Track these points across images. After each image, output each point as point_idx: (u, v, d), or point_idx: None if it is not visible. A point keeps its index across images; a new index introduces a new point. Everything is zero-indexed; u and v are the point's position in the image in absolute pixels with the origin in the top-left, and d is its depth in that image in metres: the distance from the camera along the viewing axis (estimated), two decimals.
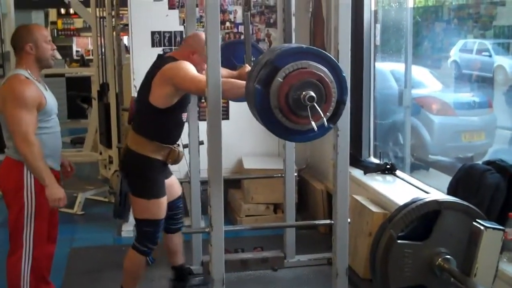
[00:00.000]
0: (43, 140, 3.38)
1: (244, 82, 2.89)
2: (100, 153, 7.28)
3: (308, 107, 2.39)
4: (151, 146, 3.55)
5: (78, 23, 14.73)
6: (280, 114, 2.44)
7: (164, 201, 3.61)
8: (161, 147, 3.57)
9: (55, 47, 3.53)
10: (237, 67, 3.89)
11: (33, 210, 3.40)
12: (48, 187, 3.34)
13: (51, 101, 3.47)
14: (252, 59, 3.90)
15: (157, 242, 3.69)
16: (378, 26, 5.06)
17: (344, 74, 2.55)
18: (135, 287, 3.76)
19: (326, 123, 2.47)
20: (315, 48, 2.61)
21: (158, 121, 3.52)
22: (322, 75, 2.44)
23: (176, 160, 3.66)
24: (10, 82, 3.35)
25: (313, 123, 2.42)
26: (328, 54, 2.58)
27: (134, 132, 3.61)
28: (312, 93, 2.40)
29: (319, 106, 2.41)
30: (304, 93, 2.40)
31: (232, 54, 3.86)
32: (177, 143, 3.69)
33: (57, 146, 3.56)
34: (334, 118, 2.54)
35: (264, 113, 2.47)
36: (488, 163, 3.30)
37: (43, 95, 3.39)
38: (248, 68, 3.80)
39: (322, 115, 2.44)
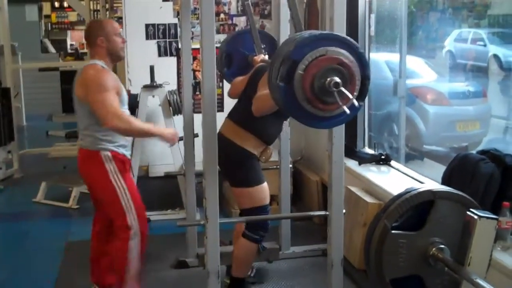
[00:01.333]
0: None
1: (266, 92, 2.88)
2: None
3: (335, 92, 2.38)
4: (254, 142, 3.59)
5: (72, 16, 14.70)
6: (309, 105, 2.41)
7: (266, 185, 3.66)
8: (260, 144, 3.63)
9: (125, 40, 3.70)
10: (248, 57, 3.88)
11: (126, 191, 3.52)
12: (160, 133, 3.59)
13: (124, 92, 3.59)
14: (263, 46, 3.90)
15: (268, 229, 3.73)
16: (373, 16, 5.05)
17: (361, 51, 2.52)
18: (246, 275, 3.83)
19: (356, 103, 2.45)
20: (328, 32, 2.58)
21: (268, 121, 3.54)
22: (342, 58, 2.41)
23: (268, 159, 3.73)
24: (90, 71, 3.47)
25: (344, 107, 2.40)
26: (342, 35, 2.54)
27: (236, 125, 3.61)
28: (337, 78, 2.36)
29: (345, 88, 2.38)
30: (328, 79, 2.38)
31: (240, 45, 3.84)
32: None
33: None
34: (361, 95, 2.50)
35: (293, 108, 2.44)
36: (482, 152, 3.30)
37: (119, 85, 3.52)
38: (261, 57, 3.83)
39: (351, 97, 2.42)
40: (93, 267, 3.86)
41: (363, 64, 2.49)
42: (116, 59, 3.66)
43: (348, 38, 2.51)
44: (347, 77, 2.40)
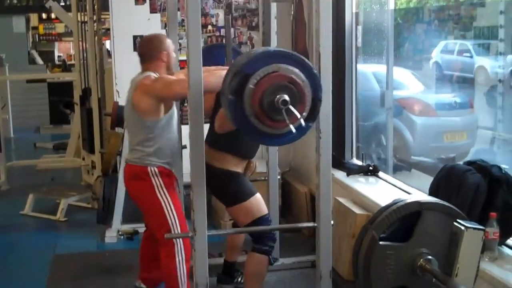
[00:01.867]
0: (166, 144, 3.57)
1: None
2: (83, 159, 7.26)
3: (283, 110, 2.40)
4: (233, 160, 3.60)
5: (59, 28, 14.67)
6: (257, 121, 2.45)
7: (259, 196, 3.64)
8: (240, 160, 3.63)
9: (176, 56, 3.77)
10: None
11: (171, 205, 3.54)
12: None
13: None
14: None
15: (276, 238, 3.71)
16: (360, 28, 5.08)
17: (315, 71, 2.55)
18: None
19: (303, 123, 2.47)
20: (283, 50, 2.61)
21: (239, 136, 3.48)
22: (293, 76, 2.44)
23: (253, 172, 3.77)
24: (146, 81, 3.48)
25: (291, 126, 2.43)
26: (296, 54, 2.57)
27: (211, 148, 3.57)
28: (285, 96, 2.40)
29: (295, 107, 2.41)
30: (277, 97, 2.40)
31: (212, 58, 3.85)
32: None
33: (176, 150, 3.74)
34: (311, 116, 2.54)
35: (241, 122, 2.48)
36: (469, 163, 3.32)
37: None
38: None
39: (299, 116, 2.44)
40: (142, 268, 3.97)
41: (316, 85, 2.53)
42: (169, 74, 3.66)
43: (302, 57, 2.56)
44: (297, 96, 2.43)
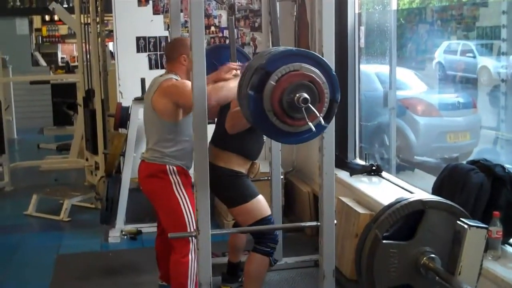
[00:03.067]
0: (185, 146, 3.59)
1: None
2: (87, 160, 7.28)
3: (303, 108, 2.41)
4: (237, 160, 3.62)
5: (63, 29, 14.69)
6: (275, 117, 2.45)
7: (262, 198, 3.66)
8: (244, 161, 3.66)
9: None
10: None
11: (188, 204, 3.56)
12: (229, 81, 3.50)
13: None
14: (239, 63, 3.91)
15: (278, 240, 3.71)
16: (363, 28, 5.09)
17: (334, 73, 2.57)
18: None
19: (323, 121, 2.49)
20: (304, 49, 2.62)
21: (246, 137, 3.56)
22: (314, 76, 2.46)
23: (256, 174, 3.80)
24: (166, 84, 3.54)
25: (310, 124, 2.44)
26: (318, 55, 2.59)
27: (217, 148, 3.63)
28: (306, 95, 2.42)
29: (313, 107, 2.42)
30: (298, 95, 2.42)
31: (215, 59, 3.85)
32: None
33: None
34: (328, 116, 2.56)
35: (259, 118, 2.48)
36: (472, 162, 3.32)
37: None
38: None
39: (318, 115, 2.45)
40: (160, 266, 4.00)
41: (334, 86, 2.56)
42: (189, 77, 3.67)
43: (323, 59, 2.58)
44: (316, 95, 2.45)
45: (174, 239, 3.54)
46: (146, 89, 3.93)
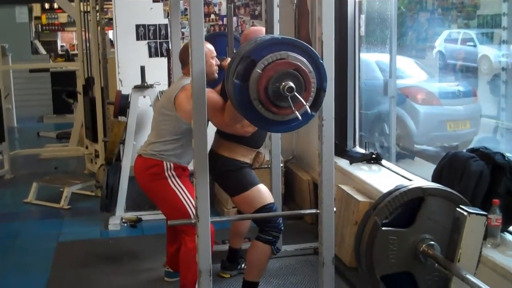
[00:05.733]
0: (190, 150, 3.51)
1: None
2: (86, 147, 7.28)
3: (288, 97, 2.41)
4: (241, 150, 3.66)
5: (62, 17, 14.65)
6: (260, 105, 2.45)
7: (263, 186, 3.69)
8: (248, 151, 3.69)
9: (219, 62, 3.75)
10: (219, 59, 3.89)
11: (185, 191, 3.63)
12: None
13: None
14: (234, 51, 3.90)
15: (281, 229, 3.71)
16: (363, 17, 5.07)
17: (321, 61, 2.56)
18: (260, 278, 3.78)
19: (309, 110, 2.48)
20: (290, 38, 2.61)
21: None
22: (300, 64, 2.45)
23: (261, 163, 3.83)
24: (188, 88, 3.45)
25: (296, 112, 2.43)
26: (303, 43, 2.58)
27: (221, 138, 3.68)
28: (291, 84, 2.41)
29: (299, 95, 2.42)
30: (283, 84, 2.41)
31: (214, 46, 3.84)
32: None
33: None
34: (315, 105, 2.55)
35: (245, 107, 2.48)
36: (472, 150, 3.32)
37: None
38: (229, 60, 3.80)
39: (305, 103, 2.45)
40: (168, 253, 4.11)
41: (322, 75, 2.54)
42: (208, 80, 3.64)
43: (309, 47, 2.55)
44: (302, 84, 2.44)
45: (185, 228, 3.61)
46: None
